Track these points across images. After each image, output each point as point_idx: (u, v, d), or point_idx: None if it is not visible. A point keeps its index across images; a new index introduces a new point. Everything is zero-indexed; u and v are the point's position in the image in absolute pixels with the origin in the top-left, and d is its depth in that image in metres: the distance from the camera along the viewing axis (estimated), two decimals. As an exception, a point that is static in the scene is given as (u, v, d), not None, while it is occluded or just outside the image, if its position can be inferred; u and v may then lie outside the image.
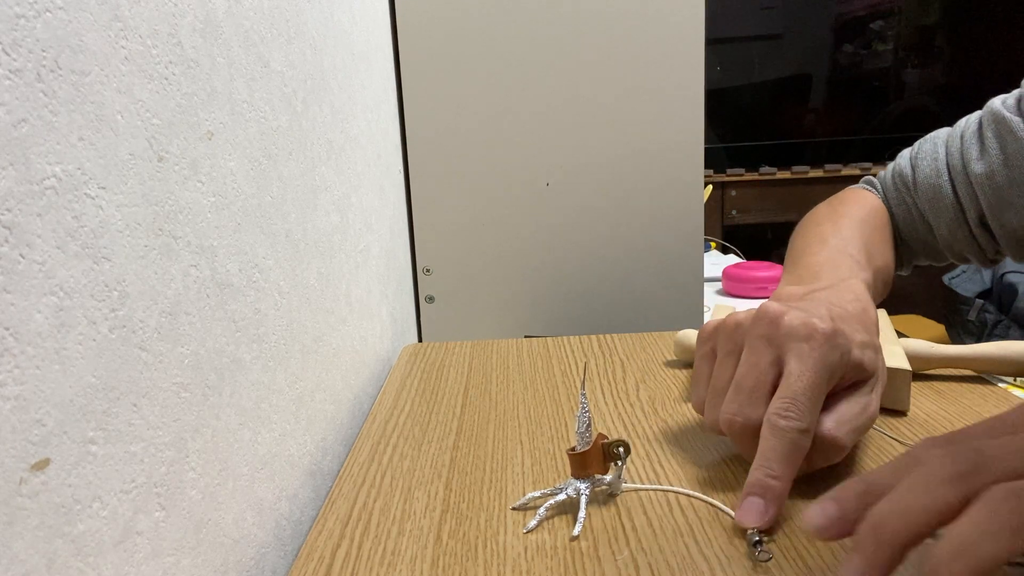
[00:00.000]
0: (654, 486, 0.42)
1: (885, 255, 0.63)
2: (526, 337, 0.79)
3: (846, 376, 0.40)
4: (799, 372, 0.38)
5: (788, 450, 0.37)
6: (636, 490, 0.41)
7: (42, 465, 0.22)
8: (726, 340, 0.42)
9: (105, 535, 0.25)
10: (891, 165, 0.71)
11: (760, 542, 0.35)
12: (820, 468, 0.40)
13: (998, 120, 0.60)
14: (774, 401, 0.38)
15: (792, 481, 0.37)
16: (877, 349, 0.43)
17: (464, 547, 0.37)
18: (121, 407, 0.26)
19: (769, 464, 0.37)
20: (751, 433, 0.39)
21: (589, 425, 0.40)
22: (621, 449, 0.40)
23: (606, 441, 0.40)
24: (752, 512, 0.36)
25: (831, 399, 0.40)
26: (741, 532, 0.37)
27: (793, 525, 0.37)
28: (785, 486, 0.36)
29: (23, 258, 0.21)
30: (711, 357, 0.44)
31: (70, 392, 0.23)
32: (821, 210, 0.68)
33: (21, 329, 0.21)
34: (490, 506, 0.41)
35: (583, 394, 0.40)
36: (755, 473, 0.37)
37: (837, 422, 0.39)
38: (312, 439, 0.48)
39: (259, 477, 0.39)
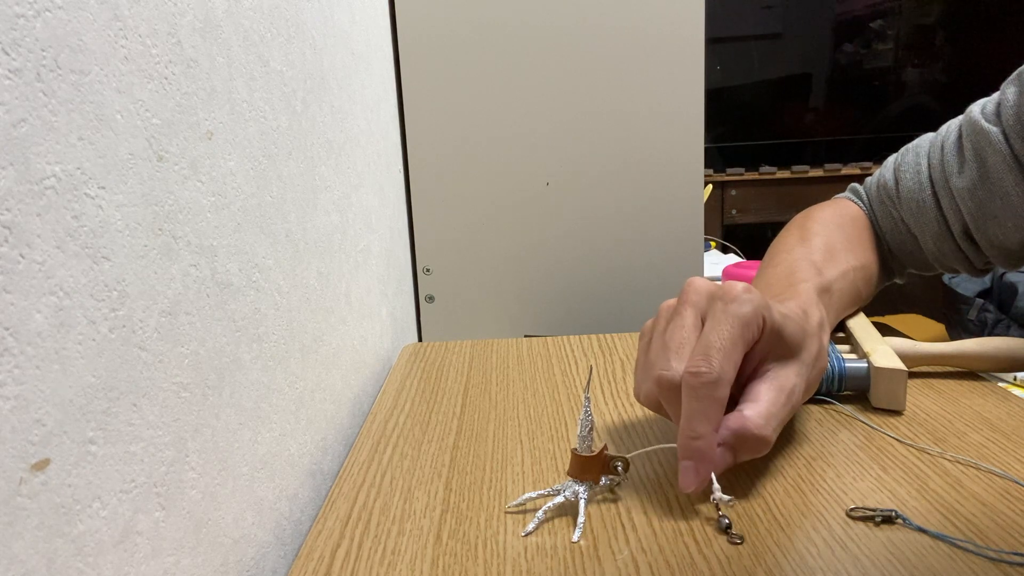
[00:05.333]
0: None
1: (861, 256, 0.63)
2: (526, 337, 0.79)
3: (765, 340, 0.40)
4: (711, 326, 0.39)
5: (705, 407, 0.37)
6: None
7: (42, 465, 0.22)
8: (662, 319, 0.43)
9: (105, 535, 0.25)
10: (876, 174, 0.70)
11: (730, 526, 0.37)
12: (747, 460, 0.40)
13: (976, 132, 0.59)
14: (689, 358, 0.39)
15: (715, 435, 0.38)
16: (808, 333, 0.43)
17: (464, 547, 0.37)
18: (121, 407, 0.26)
19: (690, 426, 0.38)
20: (671, 387, 0.39)
21: (591, 429, 0.40)
22: (619, 466, 0.40)
23: (609, 454, 0.40)
24: (687, 476, 0.38)
25: (754, 381, 0.41)
26: (713, 519, 0.37)
27: (793, 526, 0.37)
28: (709, 443, 0.38)
29: (23, 258, 0.21)
30: (647, 347, 0.44)
31: (70, 392, 0.23)
32: (796, 220, 0.68)
33: (21, 329, 0.21)
34: (490, 506, 0.41)
35: (587, 397, 0.40)
36: (680, 439, 0.38)
37: (765, 417, 0.39)
38: (312, 439, 0.48)
39: (259, 477, 0.39)
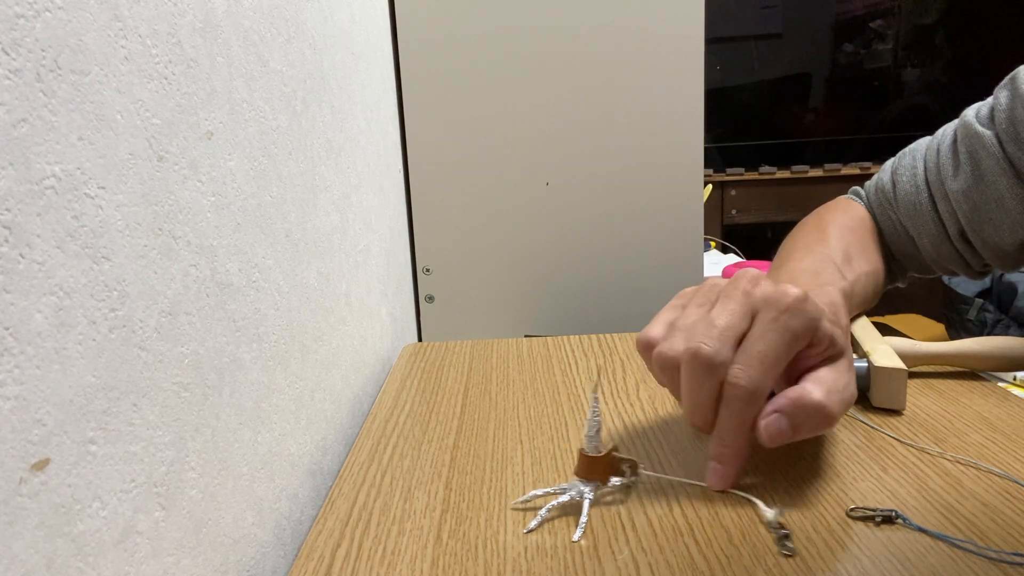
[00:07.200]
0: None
1: (872, 260, 0.63)
2: (526, 337, 0.79)
3: (816, 344, 0.40)
4: (759, 334, 0.39)
5: (738, 421, 0.39)
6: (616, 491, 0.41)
7: (42, 465, 0.22)
8: (702, 294, 0.42)
9: (105, 535, 0.25)
10: (874, 178, 0.70)
11: (787, 536, 0.36)
12: (808, 437, 0.39)
13: (971, 135, 0.60)
14: (732, 364, 0.38)
15: (747, 441, 0.39)
16: (845, 338, 0.43)
17: (464, 547, 0.37)
18: (121, 407, 0.26)
19: (721, 435, 0.39)
20: (708, 367, 0.38)
21: (599, 430, 0.40)
22: (627, 468, 0.40)
23: (619, 455, 0.40)
24: (714, 476, 0.40)
25: (811, 371, 0.40)
26: (767, 526, 0.37)
27: (793, 526, 0.37)
28: (737, 450, 0.40)
29: (23, 258, 0.21)
30: (681, 308, 0.43)
31: (70, 392, 0.23)
32: (810, 220, 0.69)
33: (21, 329, 0.21)
34: (490, 506, 0.41)
35: (595, 397, 0.39)
36: (712, 445, 0.40)
37: (827, 391, 0.38)
38: (312, 439, 0.48)
39: (259, 477, 0.39)
